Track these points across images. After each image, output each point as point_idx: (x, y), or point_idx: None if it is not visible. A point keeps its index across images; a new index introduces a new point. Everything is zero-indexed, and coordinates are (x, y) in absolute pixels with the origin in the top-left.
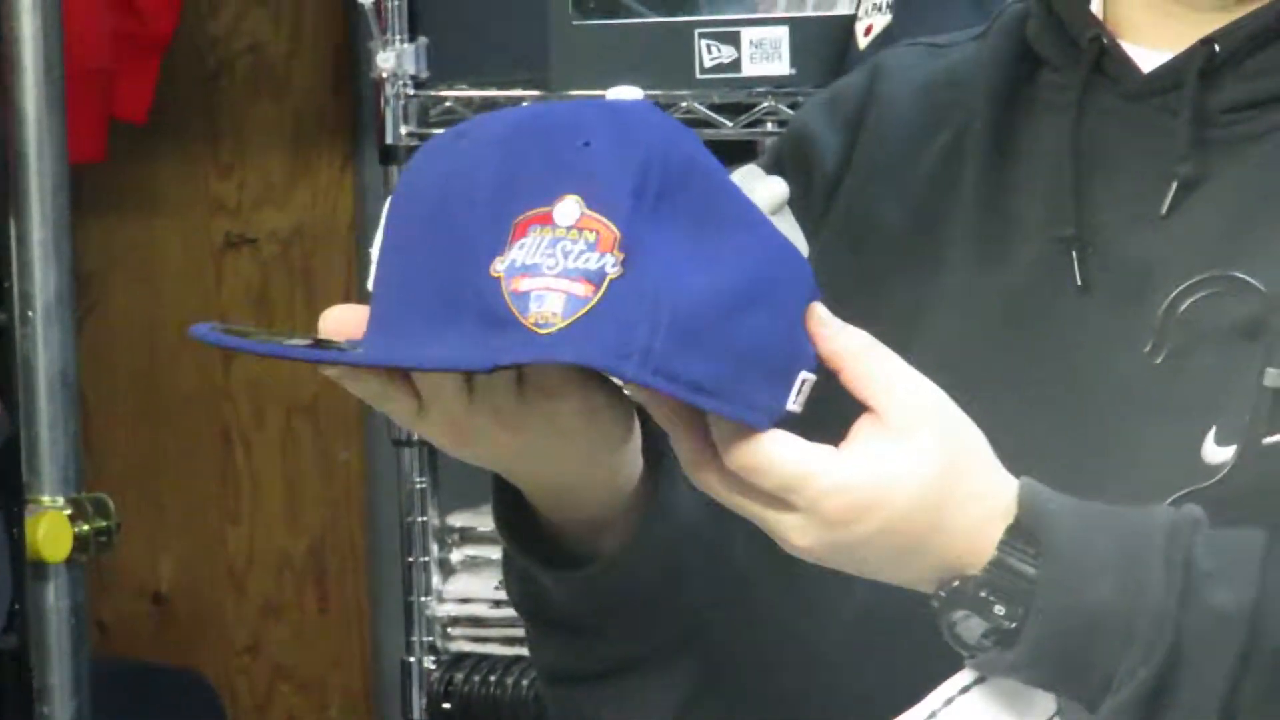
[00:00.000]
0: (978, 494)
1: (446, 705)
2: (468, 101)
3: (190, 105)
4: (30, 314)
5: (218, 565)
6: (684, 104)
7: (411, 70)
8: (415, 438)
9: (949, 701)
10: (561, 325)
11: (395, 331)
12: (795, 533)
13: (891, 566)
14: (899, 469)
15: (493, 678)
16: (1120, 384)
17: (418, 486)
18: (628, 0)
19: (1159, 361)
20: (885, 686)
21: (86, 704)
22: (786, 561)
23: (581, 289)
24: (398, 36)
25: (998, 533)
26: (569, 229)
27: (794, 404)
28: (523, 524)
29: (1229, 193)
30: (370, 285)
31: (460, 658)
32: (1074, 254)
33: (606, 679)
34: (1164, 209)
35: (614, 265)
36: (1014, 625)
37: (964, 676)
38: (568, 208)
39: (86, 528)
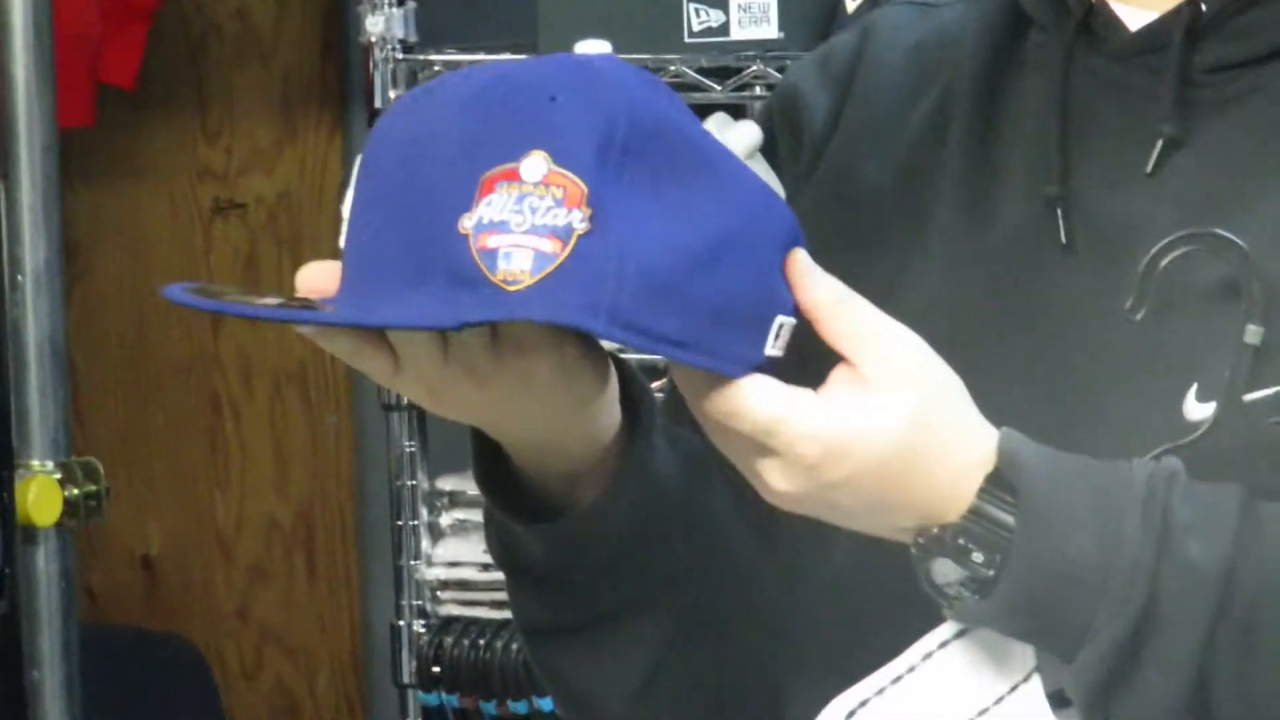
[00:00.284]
0: (956, 443)
1: (436, 669)
2: (456, 65)
3: (178, 71)
4: (20, 279)
5: (206, 531)
6: (672, 68)
7: (400, 35)
8: (404, 402)
9: (928, 656)
10: (530, 283)
11: (366, 291)
12: (774, 476)
13: (868, 514)
14: (872, 418)
15: (482, 641)
16: (1102, 341)
17: (407, 451)
18: None
19: (1139, 318)
20: (859, 648)
21: (76, 669)
22: (765, 520)
23: (549, 245)
24: (386, 1)
25: (977, 482)
26: (536, 185)
27: (773, 349)
28: (502, 477)
29: (1213, 152)
30: (342, 244)
31: (449, 621)
32: (1059, 213)
33: (580, 632)
34: (1149, 168)
35: (582, 221)
36: (992, 573)
37: (943, 631)
38: (535, 164)
39: (76, 492)
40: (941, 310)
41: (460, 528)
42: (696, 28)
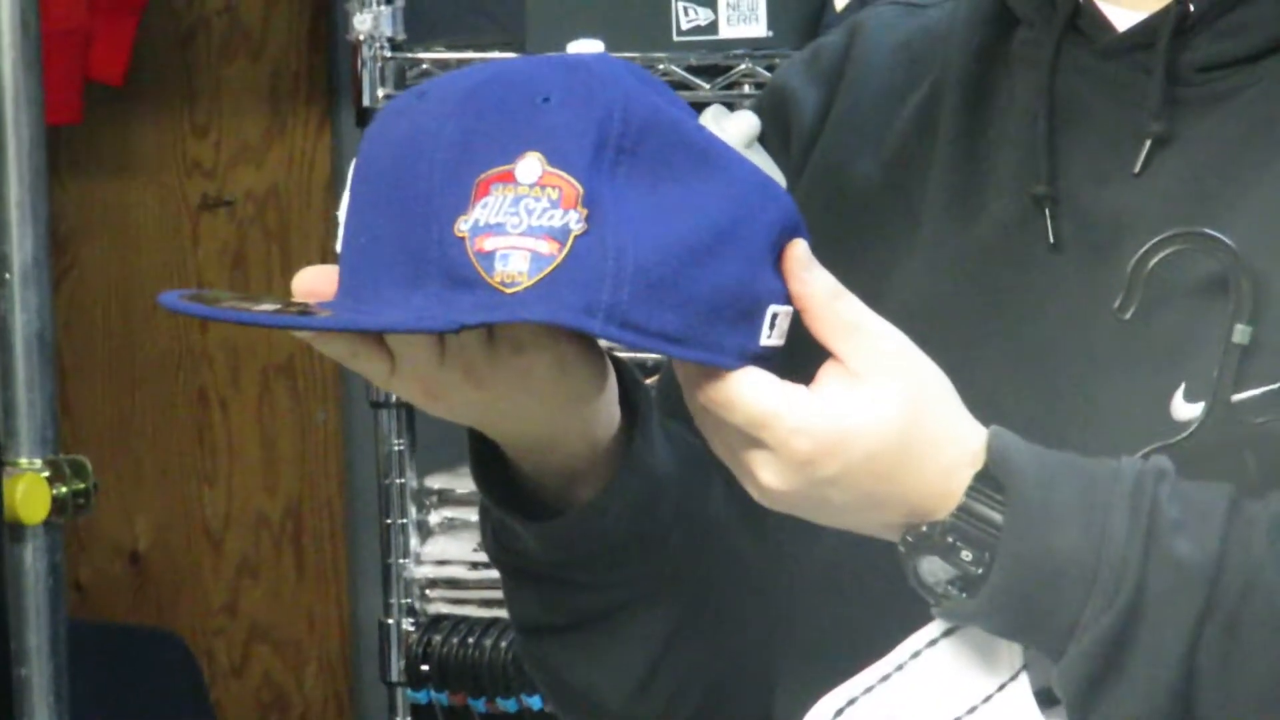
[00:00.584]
0: (943, 440)
1: (425, 667)
2: (444, 63)
3: (166, 66)
4: (7, 275)
5: (194, 526)
6: (661, 66)
7: (389, 32)
8: (393, 399)
9: (916, 655)
10: (528, 284)
11: (362, 294)
12: (766, 471)
13: (858, 510)
14: (864, 413)
15: (471, 639)
16: (1090, 340)
17: (395, 448)
18: None
19: (1128, 317)
20: (849, 643)
21: (64, 665)
22: (758, 517)
23: (546, 247)
24: None
25: (966, 479)
26: (531, 186)
27: (769, 339)
28: (499, 475)
29: (1201, 151)
30: (339, 248)
31: (438, 619)
32: (1047, 211)
33: (577, 630)
34: (1137, 167)
35: (578, 221)
36: (980, 571)
37: (931, 630)
38: (529, 165)
39: (65, 489)
40: (929, 307)
41: (449, 526)
42: (685, 26)
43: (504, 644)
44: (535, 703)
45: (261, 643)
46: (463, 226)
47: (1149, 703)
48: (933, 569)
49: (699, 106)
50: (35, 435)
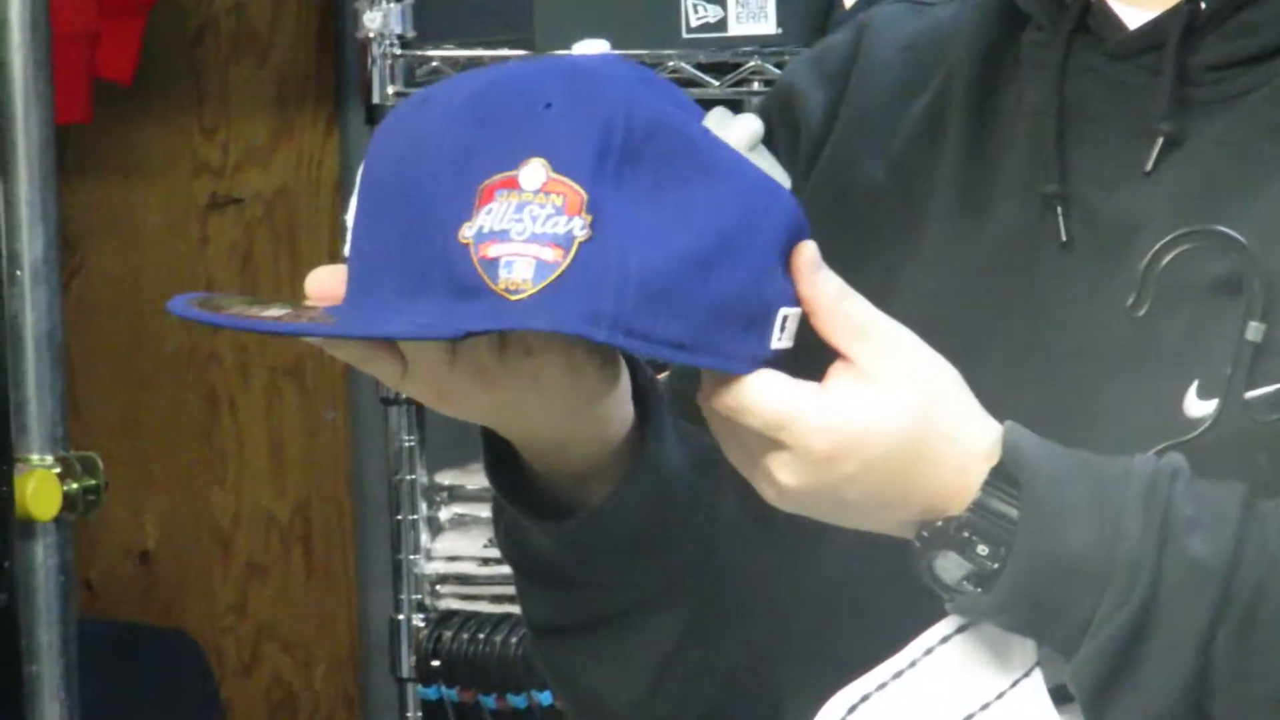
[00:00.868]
0: (957, 436)
1: (435, 663)
2: (454, 61)
3: (174, 66)
4: (18, 274)
5: (203, 525)
6: (670, 63)
7: (398, 30)
8: (403, 396)
9: (929, 651)
10: (532, 291)
11: (369, 301)
12: (784, 471)
13: (874, 509)
14: (876, 412)
15: (481, 635)
16: (1102, 339)
17: (405, 445)
18: None
19: (1141, 315)
20: (861, 640)
21: (74, 663)
22: (770, 516)
23: (550, 254)
24: None
25: (981, 475)
26: (535, 193)
27: (780, 342)
28: (512, 474)
29: (1211, 150)
30: (346, 252)
31: (448, 615)
32: (1058, 210)
33: (588, 631)
34: (1148, 167)
35: (582, 228)
36: (995, 566)
37: (945, 626)
38: (533, 171)
39: (75, 486)
40: (938, 307)
41: (459, 522)
42: (694, 23)
43: (514, 640)
44: (545, 699)
45: (271, 641)
46: (467, 233)
47: (1163, 701)
48: (947, 565)
49: (708, 104)
50: (45, 432)
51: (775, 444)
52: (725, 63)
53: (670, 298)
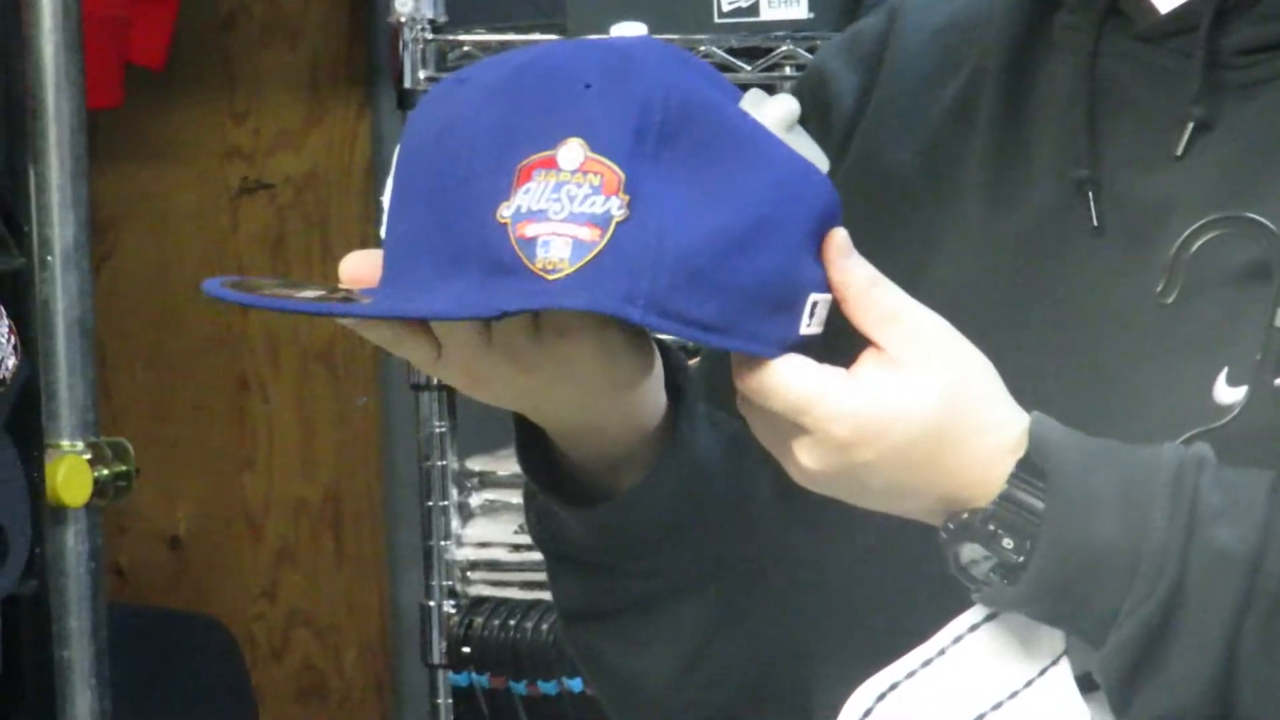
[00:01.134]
0: (984, 427)
1: (466, 649)
2: (485, 46)
3: (205, 51)
4: (49, 259)
5: (234, 511)
6: (702, 48)
7: (429, 14)
8: (434, 381)
9: (957, 640)
10: (569, 271)
11: (405, 281)
12: (805, 454)
13: (897, 496)
14: (900, 400)
15: (512, 622)
16: (1132, 325)
17: (436, 430)
18: None
19: (1170, 302)
20: (892, 625)
21: (105, 649)
22: (803, 502)
23: (588, 234)
24: None
25: (1007, 467)
26: (573, 173)
27: (809, 327)
28: (544, 459)
29: (1242, 135)
30: (383, 234)
31: (479, 601)
32: (1090, 195)
33: (620, 617)
34: (1179, 151)
35: (619, 208)
36: (1021, 559)
37: (973, 614)
38: (571, 151)
39: (106, 472)
40: (969, 292)
41: (490, 508)
42: (726, 8)
43: (545, 626)
44: (576, 685)
45: (301, 627)
46: (505, 213)
47: (1189, 692)
48: (974, 556)
49: (740, 88)
50: (76, 418)
51: (797, 428)
52: (757, 47)
53: (706, 278)
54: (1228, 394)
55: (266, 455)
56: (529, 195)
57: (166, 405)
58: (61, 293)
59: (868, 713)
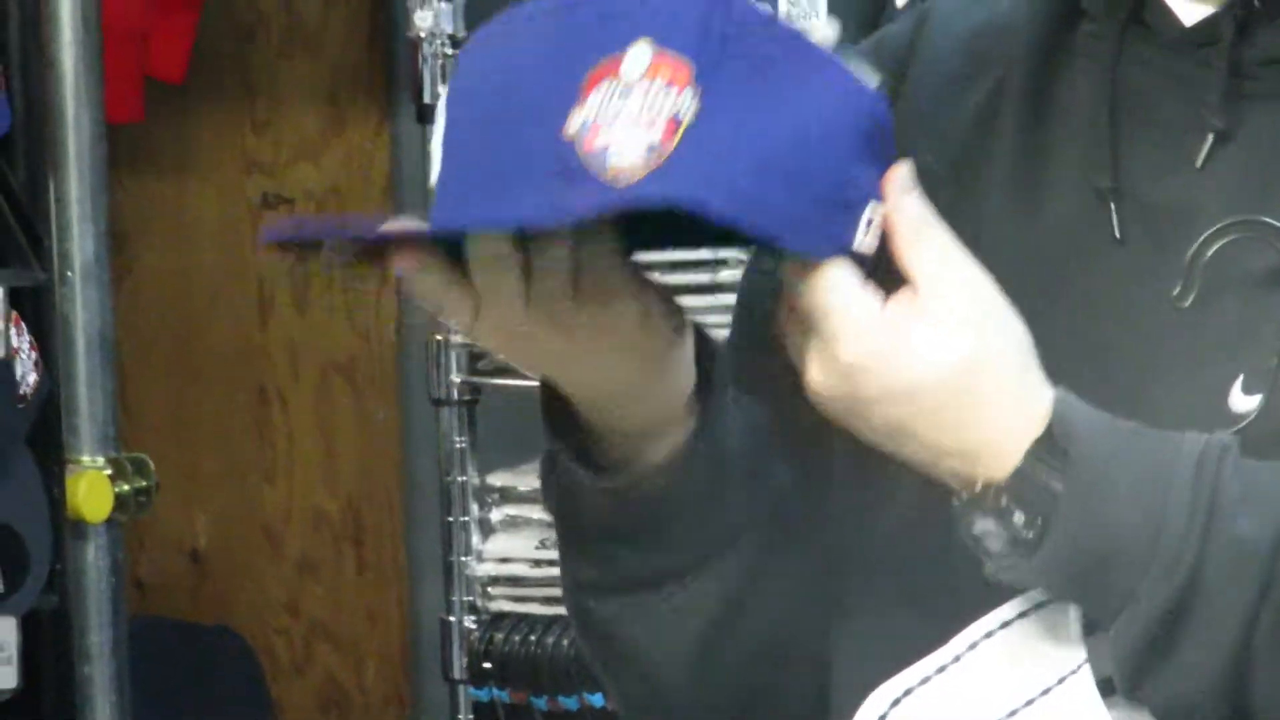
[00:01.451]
0: (1006, 397)
1: (487, 664)
2: None
3: (225, 64)
4: (69, 273)
5: (254, 524)
6: None
7: (449, 29)
8: (454, 396)
9: (973, 646)
10: (641, 175)
11: (466, 206)
12: (814, 364)
13: (898, 437)
14: (914, 346)
15: (533, 637)
16: (1150, 332)
17: (457, 445)
18: None
19: (1186, 306)
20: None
21: (125, 663)
22: (826, 487)
23: (659, 133)
24: None
25: (1027, 441)
26: (641, 76)
27: (864, 240)
28: (568, 429)
29: (1263, 145)
30: (433, 183)
31: (500, 617)
32: (1112, 205)
33: (632, 592)
34: (1199, 161)
35: (691, 100)
36: (1031, 535)
37: (989, 621)
38: (640, 52)
39: (126, 488)
40: None
41: (511, 523)
42: None
43: (566, 642)
44: (597, 700)
45: (322, 640)
46: (572, 127)
47: (1202, 680)
48: (986, 529)
49: None
50: (97, 433)
51: (817, 333)
52: None
53: (775, 174)
54: (1243, 402)
55: (287, 468)
56: (595, 106)
57: (187, 418)
58: (82, 307)
59: (882, 718)
